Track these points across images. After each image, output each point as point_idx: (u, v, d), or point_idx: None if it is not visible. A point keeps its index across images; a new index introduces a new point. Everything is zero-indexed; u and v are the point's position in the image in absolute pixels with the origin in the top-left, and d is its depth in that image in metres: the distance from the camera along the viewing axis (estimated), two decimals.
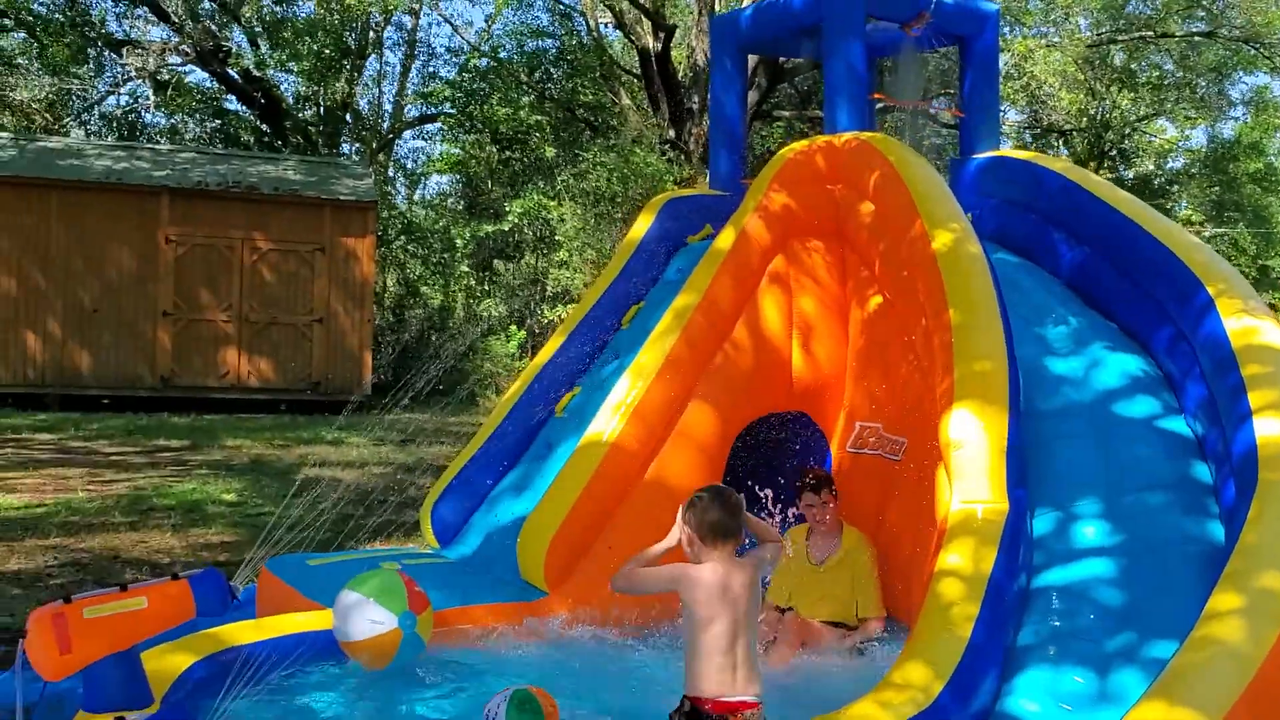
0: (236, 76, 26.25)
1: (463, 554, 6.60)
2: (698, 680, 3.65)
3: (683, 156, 22.57)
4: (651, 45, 22.65)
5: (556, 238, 24.71)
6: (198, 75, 28.36)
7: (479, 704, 3.93)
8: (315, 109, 29.05)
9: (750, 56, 12.65)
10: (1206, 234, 29.55)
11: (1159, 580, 4.43)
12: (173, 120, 28.99)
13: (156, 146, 23.35)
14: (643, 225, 7.83)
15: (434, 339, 24.99)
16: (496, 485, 7.00)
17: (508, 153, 27.97)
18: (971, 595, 4.18)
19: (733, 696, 3.62)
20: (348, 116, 29.50)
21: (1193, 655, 3.42)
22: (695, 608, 3.67)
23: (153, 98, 26.78)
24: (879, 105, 8.51)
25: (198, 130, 29.40)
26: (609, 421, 6.10)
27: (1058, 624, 4.36)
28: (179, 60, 25.60)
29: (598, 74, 26.64)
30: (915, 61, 8.51)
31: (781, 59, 21.64)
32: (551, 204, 24.15)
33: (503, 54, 28.02)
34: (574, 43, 27.28)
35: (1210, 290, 5.18)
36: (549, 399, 7.16)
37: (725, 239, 6.76)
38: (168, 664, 4.41)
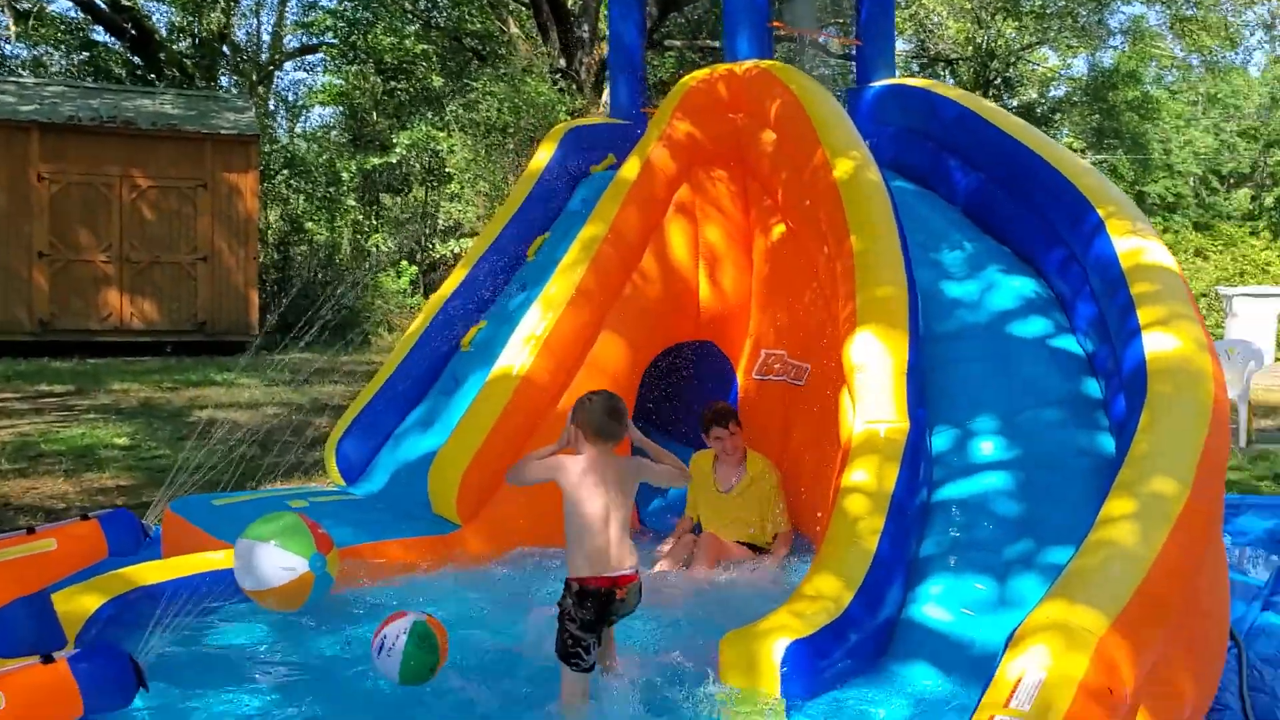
0: (104, 6, 25.06)
1: (369, 491, 6.57)
2: (577, 562, 3.85)
3: (574, 86, 22.32)
4: None
5: (447, 169, 24.30)
6: (62, 4, 27.04)
7: None
8: (190, 40, 27.92)
9: None
10: (1088, 160, 30.41)
11: (1054, 491, 4.62)
12: (35, 52, 27.57)
13: (21, 80, 22.22)
14: (544, 155, 7.76)
15: (320, 276, 24.45)
16: (402, 421, 6.96)
17: (393, 83, 27.31)
18: (876, 510, 4.35)
19: (611, 572, 3.83)
20: (225, 48, 28.43)
21: (1088, 559, 3.58)
22: (569, 491, 3.88)
23: (12, 28, 25.42)
24: (774, 34, 8.53)
25: (64, 63, 28.02)
26: (519, 354, 6.09)
27: (958, 535, 4.53)
28: None
29: (485, 2, 26.09)
30: None
31: None
32: (440, 135, 23.69)
33: None
34: None
35: (1100, 212, 5.34)
36: (453, 333, 7.11)
37: (630, 169, 6.75)
38: (78, 605, 4.34)
